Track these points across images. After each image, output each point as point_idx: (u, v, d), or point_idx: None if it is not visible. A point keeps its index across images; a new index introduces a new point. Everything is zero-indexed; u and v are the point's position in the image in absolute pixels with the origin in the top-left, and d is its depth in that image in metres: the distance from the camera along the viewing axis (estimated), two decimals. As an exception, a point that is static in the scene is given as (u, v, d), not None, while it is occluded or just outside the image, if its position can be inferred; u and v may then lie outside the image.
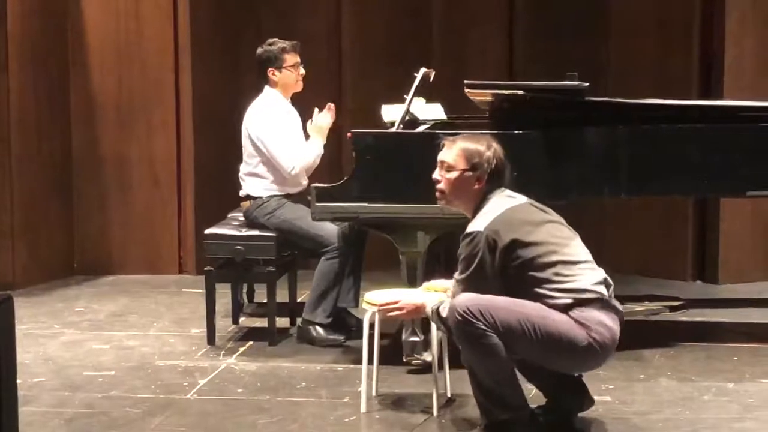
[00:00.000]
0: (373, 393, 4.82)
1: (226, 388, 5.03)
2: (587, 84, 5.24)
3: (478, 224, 4.18)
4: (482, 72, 7.19)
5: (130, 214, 7.56)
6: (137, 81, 7.47)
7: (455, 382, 4.89)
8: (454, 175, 4.28)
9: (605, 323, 4.09)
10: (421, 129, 5.63)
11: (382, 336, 4.86)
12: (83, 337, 5.94)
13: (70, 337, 5.95)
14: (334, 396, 4.89)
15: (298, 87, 5.92)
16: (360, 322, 4.87)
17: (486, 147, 4.27)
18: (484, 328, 4.04)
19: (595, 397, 4.43)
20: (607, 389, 4.92)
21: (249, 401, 4.84)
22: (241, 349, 5.65)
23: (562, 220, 4.32)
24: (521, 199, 4.30)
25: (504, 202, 4.25)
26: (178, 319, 6.31)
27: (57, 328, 6.15)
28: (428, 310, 4.33)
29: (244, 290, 6.36)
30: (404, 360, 5.16)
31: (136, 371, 5.30)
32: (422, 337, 5.09)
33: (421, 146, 5.19)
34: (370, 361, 4.74)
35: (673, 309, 5.85)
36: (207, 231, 5.82)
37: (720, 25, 7.07)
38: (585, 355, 4.11)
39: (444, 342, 4.78)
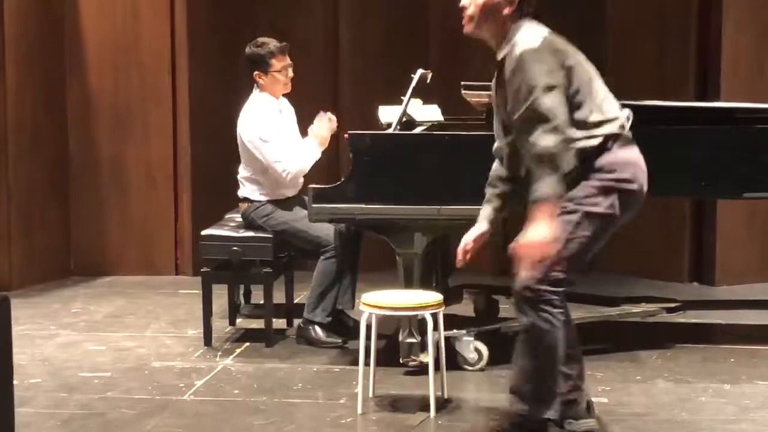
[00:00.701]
0: (370, 394, 4.82)
1: (222, 390, 5.03)
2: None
3: (528, 41, 3.99)
4: (479, 73, 7.18)
5: (126, 215, 7.56)
6: (134, 82, 7.47)
7: (452, 383, 4.90)
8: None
9: (630, 160, 4.05)
10: (418, 130, 5.63)
11: (378, 337, 4.86)
12: (80, 338, 5.94)
13: (66, 338, 5.95)
14: (331, 397, 4.89)
15: (286, 89, 5.92)
16: (357, 323, 4.86)
17: None
18: (557, 308, 4.00)
19: (592, 399, 4.43)
20: (603, 390, 4.92)
21: (245, 402, 4.83)
22: (238, 351, 5.65)
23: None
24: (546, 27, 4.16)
25: (539, 27, 4.11)
26: (175, 321, 6.31)
27: (53, 329, 6.14)
28: (539, 227, 3.91)
29: (241, 291, 6.35)
30: (401, 361, 5.16)
31: (133, 372, 5.29)
32: (419, 338, 5.09)
33: (418, 147, 5.19)
34: (367, 362, 4.74)
35: (669, 310, 5.84)
36: (204, 232, 5.82)
37: (717, 27, 7.08)
38: (629, 201, 4.04)
39: (441, 343, 4.78)
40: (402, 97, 5.42)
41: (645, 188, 4.12)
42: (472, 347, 5.25)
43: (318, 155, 5.87)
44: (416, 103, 5.75)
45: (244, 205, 5.92)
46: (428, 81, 5.58)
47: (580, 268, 4.17)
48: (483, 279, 6.77)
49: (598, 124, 4.04)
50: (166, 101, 7.48)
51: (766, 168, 5.31)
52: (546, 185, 3.89)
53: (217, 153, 7.19)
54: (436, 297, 4.73)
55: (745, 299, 6.50)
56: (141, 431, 4.47)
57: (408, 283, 5.10)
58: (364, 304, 4.67)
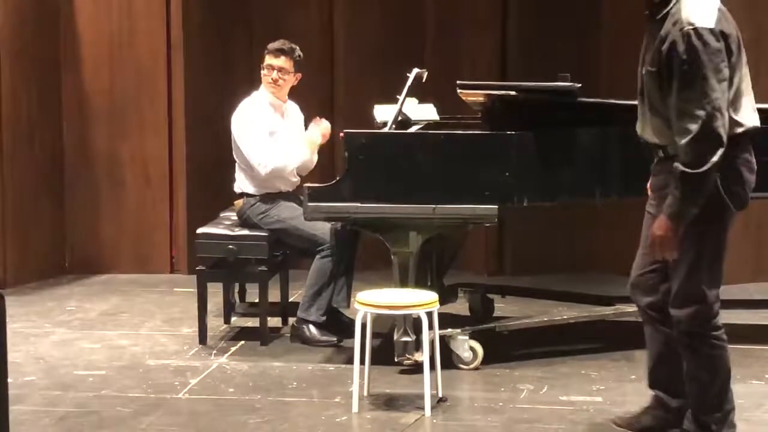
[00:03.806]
0: (365, 393, 4.82)
1: (217, 388, 5.02)
2: (579, 85, 5.25)
3: (700, 18, 3.64)
4: (475, 72, 7.20)
5: (121, 213, 7.55)
6: (129, 79, 7.46)
7: (447, 382, 4.90)
8: None
9: (747, 162, 3.88)
10: (413, 129, 5.63)
11: (374, 336, 4.87)
12: (74, 336, 5.93)
13: (61, 336, 5.94)
14: (326, 396, 4.89)
15: (274, 90, 5.90)
16: (352, 322, 4.86)
17: None
18: (718, 337, 3.90)
19: (586, 398, 4.43)
20: (598, 390, 4.93)
21: (240, 401, 4.83)
22: (233, 349, 5.64)
23: None
24: None
25: None
26: (170, 319, 6.30)
27: (48, 327, 6.14)
28: (671, 219, 3.78)
29: (236, 290, 6.35)
30: (396, 360, 5.16)
31: (127, 370, 5.29)
32: (414, 337, 5.09)
33: (414, 146, 5.20)
34: (362, 361, 4.74)
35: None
36: (199, 230, 5.82)
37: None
38: (736, 207, 3.90)
39: (436, 342, 4.79)
40: (397, 96, 5.42)
41: (752, 186, 3.95)
42: (467, 346, 5.26)
43: (305, 156, 5.84)
44: (412, 102, 5.75)
45: (239, 203, 5.92)
46: (424, 80, 5.58)
47: (721, 277, 4.00)
48: (478, 278, 6.78)
49: (730, 122, 3.78)
50: (162, 98, 7.47)
51: (760, 169, 5.31)
52: (683, 186, 3.71)
53: (212, 150, 7.18)
54: (431, 296, 4.74)
55: (738, 299, 6.50)
56: (136, 429, 4.47)
57: (403, 282, 5.10)
58: (359, 302, 4.67)
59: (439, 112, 6.00)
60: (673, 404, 4.20)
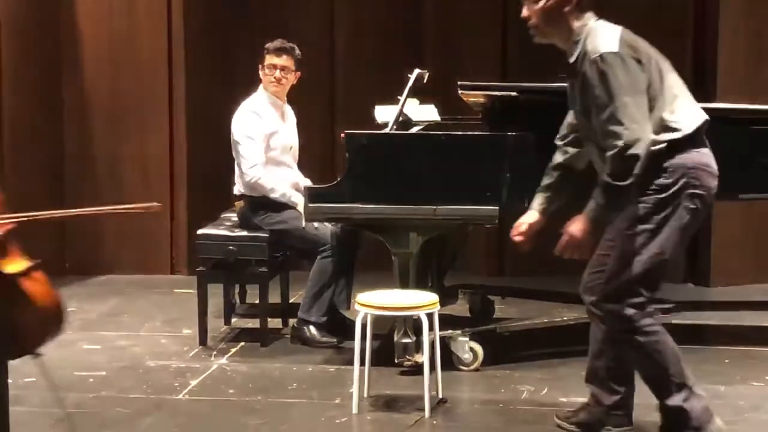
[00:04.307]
0: (365, 394, 4.82)
1: (217, 389, 5.02)
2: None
3: (606, 45, 3.93)
4: (475, 73, 7.19)
5: (122, 214, 7.53)
6: (130, 80, 7.46)
7: (447, 383, 4.90)
8: (541, 3, 4.08)
9: (698, 162, 4.01)
10: (414, 130, 5.62)
11: (374, 337, 4.86)
12: (75, 337, 5.93)
13: (61, 337, 5.92)
14: (326, 397, 4.88)
15: (271, 89, 5.90)
16: (352, 323, 4.86)
17: None
18: (648, 325, 4.01)
19: (586, 399, 4.42)
20: (598, 391, 4.92)
21: (240, 402, 4.83)
22: (233, 350, 5.64)
23: None
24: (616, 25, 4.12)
25: (609, 24, 4.06)
26: (170, 320, 6.30)
27: (48, 327, 6.12)
28: (590, 220, 3.99)
29: (236, 291, 6.35)
30: (396, 361, 5.16)
31: (128, 371, 5.29)
32: (414, 338, 5.09)
33: (415, 147, 5.19)
34: (362, 363, 4.74)
35: (664, 311, 5.83)
36: (199, 231, 5.82)
37: (713, 29, 7.08)
38: (698, 212, 4.01)
39: (436, 343, 4.78)
40: (398, 97, 5.42)
41: (713, 191, 4.07)
42: (467, 347, 5.25)
43: (292, 203, 5.74)
44: (413, 102, 5.75)
45: (239, 204, 5.92)
46: (425, 81, 5.58)
47: (661, 280, 4.13)
48: (478, 279, 6.77)
49: (666, 126, 3.98)
50: (163, 99, 7.47)
51: (761, 169, 5.32)
52: (606, 195, 3.92)
53: (213, 151, 7.18)
54: (431, 297, 4.74)
55: (740, 300, 6.50)
56: (135, 430, 4.47)
57: (403, 283, 5.10)
58: (360, 304, 4.67)
59: (440, 113, 6.00)
60: (607, 401, 4.28)
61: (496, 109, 5.34)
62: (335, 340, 5.66)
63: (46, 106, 7.36)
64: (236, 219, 5.91)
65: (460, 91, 5.29)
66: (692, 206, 4.02)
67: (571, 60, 4.06)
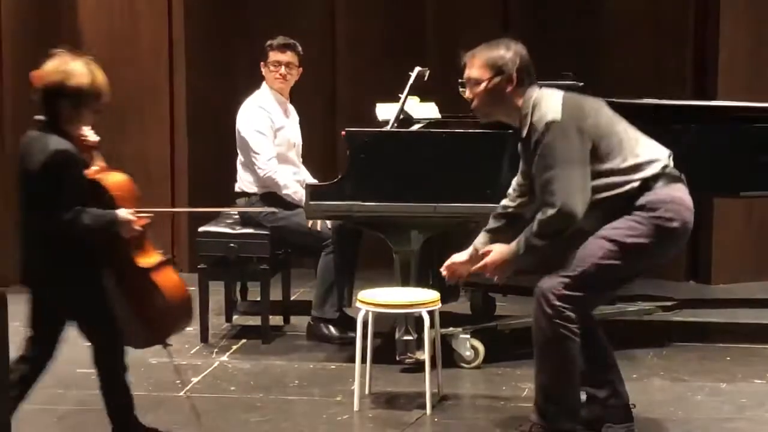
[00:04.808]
0: (366, 391, 4.82)
1: (218, 386, 5.03)
2: (582, 83, 5.25)
3: (549, 114, 4.03)
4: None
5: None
6: (131, 78, 7.45)
7: (448, 380, 4.90)
8: (482, 86, 4.17)
9: (674, 197, 4.07)
10: (415, 128, 5.63)
11: (375, 334, 4.87)
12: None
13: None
14: (327, 394, 4.89)
15: (276, 86, 5.90)
16: (354, 320, 4.86)
17: (505, 49, 4.19)
18: (574, 327, 4.02)
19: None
20: (599, 389, 4.92)
21: (242, 399, 4.84)
22: (234, 347, 5.65)
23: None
24: (559, 90, 4.21)
25: (552, 92, 4.16)
26: (171, 317, 6.29)
27: (50, 325, 6.13)
28: (516, 254, 4.15)
29: (238, 288, 6.35)
30: (397, 358, 5.16)
31: (129, 369, 5.28)
32: (415, 335, 5.09)
33: (415, 145, 5.20)
34: (363, 360, 4.74)
35: (666, 309, 5.85)
36: (200, 229, 5.82)
37: (714, 26, 7.08)
38: (668, 238, 4.06)
39: (437, 341, 4.79)
40: (399, 95, 5.42)
41: (689, 226, 4.11)
42: (468, 345, 5.26)
43: (298, 199, 5.72)
44: (413, 100, 5.75)
45: (241, 201, 5.92)
46: (426, 79, 5.58)
47: (609, 296, 4.17)
48: (479, 277, 6.76)
49: (635, 168, 4.06)
50: (164, 97, 7.47)
51: (763, 167, 5.32)
52: (531, 243, 4.07)
53: (214, 149, 7.18)
54: (432, 294, 4.74)
55: (742, 298, 6.50)
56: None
57: (404, 281, 5.10)
58: (361, 301, 4.67)
59: (440, 111, 6.00)
60: (601, 394, 4.28)
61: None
62: (354, 335, 5.65)
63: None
64: (237, 216, 5.91)
65: (461, 89, 5.28)
66: (665, 237, 4.06)
67: (524, 134, 4.14)
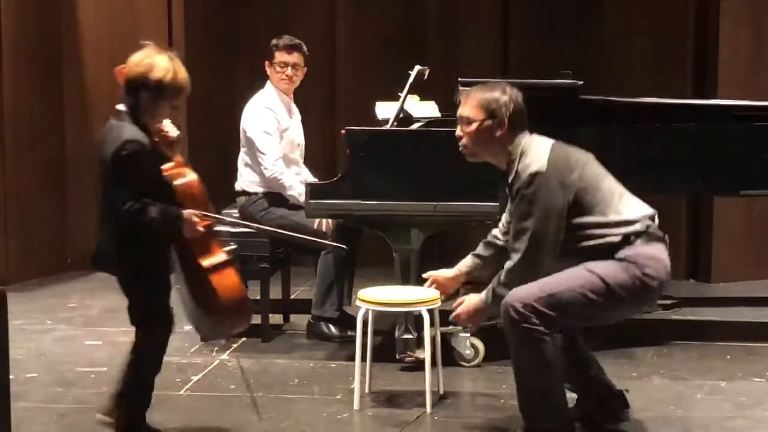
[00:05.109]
0: (366, 390, 4.83)
1: (218, 385, 5.03)
2: (581, 82, 5.25)
3: (535, 164, 4.07)
4: (476, 70, 7.19)
5: (123, 210, 7.54)
6: (131, 78, 7.45)
7: (448, 379, 4.91)
8: (474, 127, 4.19)
9: (655, 256, 4.10)
10: (414, 127, 5.63)
11: (375, 333, 4.87)
12: (76, 333, 5.94)
13: (62, 333, 5.95)
14: (327, 393, 4.89)
15: (282, 86, 5.90)
16: (354, 318, 4.87)
17: (501, 92, 4.21)
18: (540, 329, 4.01)
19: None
20: (599, 387, 4.92)
21: (242, 398, 4.84)
22: (234, 346, 5.65)
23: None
24: (548, 138, 4.24)
25: (541, 141, 4.19)
26: (171, 316, 6.29)
27: (50, 323, 6.14)
28: (486, 304, 4.20)
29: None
30: (397, 357, 5.17)
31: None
32: (415, 334, 5.10)
33: (415, 144, 5.20)
34: (363, 358, 4.74)
35: (665, 307, 5.86)
36: (200, 227, 5.81)
37: (714, 25, 7.08)
38: (644, 294, 4.09)
39: (437, 339, 4.79)
40: (399, 94, 5.42)
41: (664, 287, 4.15)
42: (468, 343, 5.26)
43: (302, 201, 5.73)
44: (413, 99, 5.75)
45: (242, 200, 5.92)
46: (425, 77, 5.58)
47: (572, 325, 4.17)
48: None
49: (617, 224, 4.10)
50: (163, 96, 7.46)
51: (762, 165, 5.32)
52: (498, 293, 4.11)
53: (213, 149, 7.19)
54: (432, 293, 4.74)
55: (741, 296, 6.51)
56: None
57: (404, 279, 5.10)
58: (361, 299, 4.68)
59: (440, 110, 6.00)
60: (590, 392, 4.34)
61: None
62: (354, 333, 5.66)
63: (47, 103, 7.36)
64: (237, 215, 5.91)
65: (460, 88, 5.28)
66: (642, 293, 4.09)
67: (510, 179, 4.18)
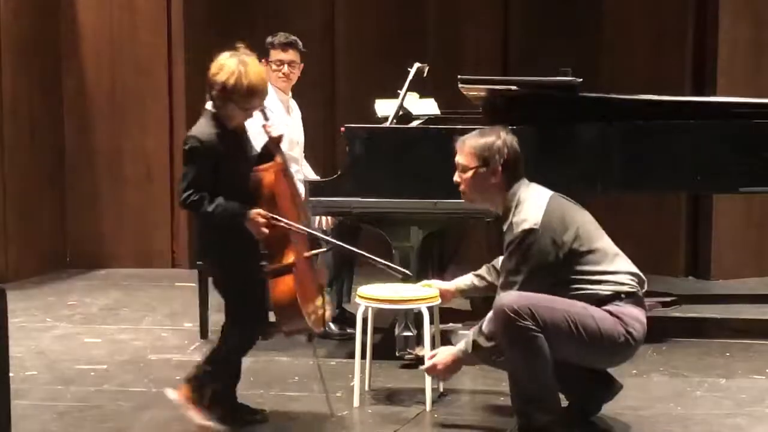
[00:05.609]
0: (366, 387, 4.82)
1: (218, 383, 5.01)
2: (581, 80, 5.25)
3: (529, 220, 4.12)
4: (476, 67, 7.19)
5: (122, 207, 7.56)
6: (130, 74, 7.47)
7: (448, 376, 4.90)
8: (469, 174, 4.27)
9: (640, 319, 4.16)
10: (414, 124, 5.62)
11: (375, 330, 4.86)
12: (76, 331, 5.94)
13: (62, 331, 5.95)
14: (328, 390, 4.88)
15: (279, 84, 5.88)
16: (354, 316, 4.86)
17: (495, 138, 4.25)
18: (534, 327, 4.04)
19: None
20: (599, 384, 4.92)
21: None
22: (234, 344, 5.63)
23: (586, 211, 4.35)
24: (547, 190, 4.28)
25: (538, 193, 4.23)
26: (171, 313, 6.30)
27: (49, 321, 6.14)
28: (465, 353, 4.29)
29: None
30: (397, 355, 5.16)
31: (129, 365, 5.29)
32: (415, 332, 5.09)
33: (415, 141, 5.19)
34: (363, 356, 4.74)
35: (665, 305, 5.86)
36: (200, 225, 5.81)
37: (713, 23, 7.08)
38: (621, 351, 4.18)
39: (437, 337, 4.79)
40: (399, 91, 5.42)
41: (640, 344, 4.21)
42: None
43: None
44: (413, 96, 5.75)
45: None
46: (425, 75, 5.58)
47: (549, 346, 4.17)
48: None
49: (608, 282, 4.15)
50: (163, 93, 7.47)
51: (762, 163, 5.32)
52: (478, 343, 4.20)
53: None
54: (432, 290, 4.74)
55: (741, 294, 6.51)
56: (136, 424, 4.47)
57: (404, 277, 5.09)
58: (360, 297, 4.67)
59: (440, 107, 6.00)
60: (582, 391, 4.40)
61: (497, 104, 5.34)
62: (354, 331, 5.65)
63: (47, 100, 7.36)
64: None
65: (460, 85, 5.29)
66: (622, 348, 4.15)
67: (504, 227, 4.23)
